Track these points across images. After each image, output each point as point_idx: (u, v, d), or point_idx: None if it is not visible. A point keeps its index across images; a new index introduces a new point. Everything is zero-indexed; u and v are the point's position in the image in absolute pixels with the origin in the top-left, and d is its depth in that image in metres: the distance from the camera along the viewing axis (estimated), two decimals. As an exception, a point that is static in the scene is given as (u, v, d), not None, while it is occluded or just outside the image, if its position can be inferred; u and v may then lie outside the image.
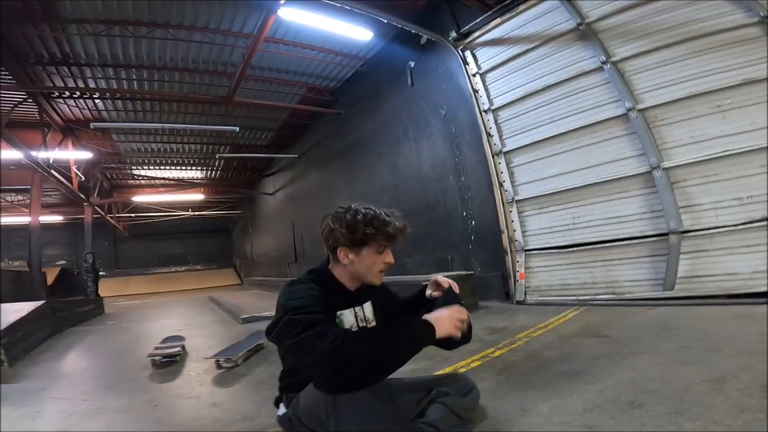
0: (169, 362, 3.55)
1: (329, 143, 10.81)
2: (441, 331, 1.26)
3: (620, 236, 4.48)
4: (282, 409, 1.54)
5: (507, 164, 5.57)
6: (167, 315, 8.48)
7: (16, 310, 4.88)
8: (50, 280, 18.01)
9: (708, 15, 3.85)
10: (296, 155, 12.94)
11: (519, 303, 5.10)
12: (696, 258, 3.92)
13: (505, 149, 5.58)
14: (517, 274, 5.30)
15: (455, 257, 6.56)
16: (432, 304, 1.56)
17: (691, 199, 4.00)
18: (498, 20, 5.55)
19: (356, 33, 6.72)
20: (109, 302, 11.12)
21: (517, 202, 5.46)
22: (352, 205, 1.48)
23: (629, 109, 4.32)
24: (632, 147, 4.40)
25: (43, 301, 5.81)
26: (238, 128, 10.42)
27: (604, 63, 4.52)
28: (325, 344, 1.09)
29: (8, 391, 3.04)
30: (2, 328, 4.00)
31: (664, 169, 4.11)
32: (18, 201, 16.62)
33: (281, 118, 11.75)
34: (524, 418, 1.74)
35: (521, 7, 5.26)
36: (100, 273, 14.24)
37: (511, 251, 5.40)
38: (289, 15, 5.98)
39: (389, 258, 1.50)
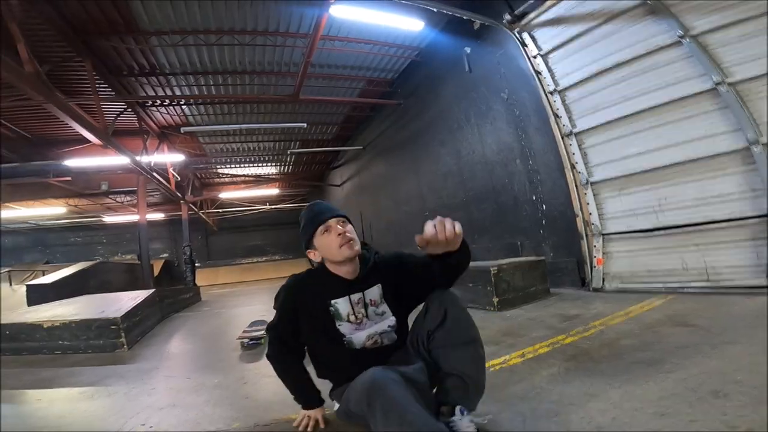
0: (255, 344, 3.89)
1: (391, 133, 10.91)
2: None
3: (716, 218, 4.00)
4: (336, 404, 1.71)
5: (579, 145, 5.24)
6: (252, 302, 9.11)
7: (132, 298, 5.40)
8: (156, 271, 20.47)
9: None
10: (361, 147, 13.28)
11: (596, 290, 4.82)
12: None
13: (575, 130, 5.25)
14: (594, 259, 4.99)
15: (525, 242, 6.35)
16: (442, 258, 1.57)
17: (799, 176, 3.48)
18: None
19: (406, 24, 6.70)
20: (204, 290, 11.98)
21: (592, 184, 5.12)
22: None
23: (718, 83, 3.84)
24: (725, 122, 3.90)
25: (153, 290, 6.40)
26: (305, 124, 10.99)
27: (681, 37, 4.06)
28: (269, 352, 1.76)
29: (128, 370, 3.42)
30: (122, 314, 4.45)
31: (764, 144, 3.61)
32: (127, 201, 18.45)
33: (344, 112, 12.14)
34: (590, 403, 1.70)
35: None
36: (196, 264, 15.78)
37: (587, 235, 5.10)
38: (340, 12, 6.14)
39: (337, 230, 1.64)
